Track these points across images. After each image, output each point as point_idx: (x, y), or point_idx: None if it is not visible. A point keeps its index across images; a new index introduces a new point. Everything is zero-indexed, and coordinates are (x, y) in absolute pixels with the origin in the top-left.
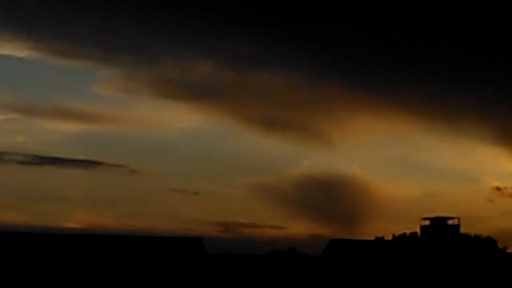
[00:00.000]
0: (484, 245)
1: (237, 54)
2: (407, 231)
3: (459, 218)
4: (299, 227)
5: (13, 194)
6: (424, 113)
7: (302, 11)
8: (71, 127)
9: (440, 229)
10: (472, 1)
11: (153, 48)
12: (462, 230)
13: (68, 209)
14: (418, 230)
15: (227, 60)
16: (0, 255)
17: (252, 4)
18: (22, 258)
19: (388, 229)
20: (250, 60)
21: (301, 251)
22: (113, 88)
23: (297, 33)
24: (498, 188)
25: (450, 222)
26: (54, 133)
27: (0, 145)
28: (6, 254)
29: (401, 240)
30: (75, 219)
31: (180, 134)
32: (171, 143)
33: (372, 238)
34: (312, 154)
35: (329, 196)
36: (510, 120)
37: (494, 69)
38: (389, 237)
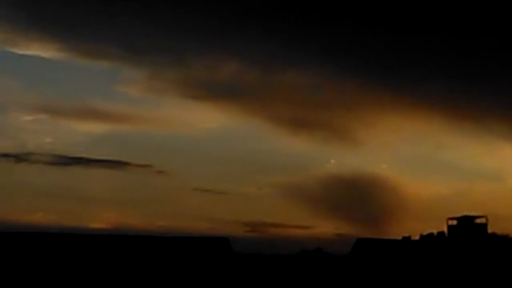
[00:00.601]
0: None
1: (264, 53)
2: (435, 231)
3: (486, 217)
4: (326, 227)
5: (40, 194)
6: (451, 112)
7: (329, 10)
8: (98, 128)
9: (467, 228)
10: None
11: (179, 47)
12: (490, 229)
13: (95, 210)
14: (445, 229)
15: (254, 60)
16: (28, 255)
17: (278, 3)
18: (49, 259)
19: (415, 229)
20: (277, 60)
21: (328, 250)
22: (140, 88)
23: (324, 32)
24: None
25: (477, 221)
26: (81, 134)
27: (27, 146)
28: (33, 255)
29: (428, 239)
30: (102, 219)
31: (207, 134)
32: (197, 143)
33: (399, 237)
34: (338, 153)
35: (356, 195)
36: None
37: None
38: (416, 237)
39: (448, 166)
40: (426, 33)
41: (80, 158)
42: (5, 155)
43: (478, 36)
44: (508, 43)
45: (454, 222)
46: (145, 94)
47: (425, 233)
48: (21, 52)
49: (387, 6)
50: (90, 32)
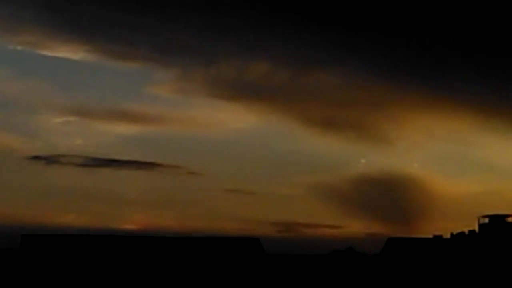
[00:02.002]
0: None
1: (294, 54)
2: (466, 229)
3: None
4: (357, 226)
5: (72, 196)
6: (482, 111)
7: (359, 11)
8: (128, 129)
9: (499, 227)
10: None
11: (209, 49)
12: None
13: (126, 211)
14: (476, 228)
15: (284, 60)
16: (60, 256)
17: (309, 4)
18: (82, 260)
19: (446, 227)
20: (307, 60)
21: (359, 250)
22: (169, 89)
23: (354, 33)
24: None
25: (509, 219)
26: (111, 135)
27: (57, 148)
28: (66, 256)
29: (459, 238)
30: (133, 220)
31: (237, 135)
32: (228, 144)
33: (431, 236)
34: (370, 153)
35: (387, 194)
36: None
37: None
38: (448, 235)
39: (480, 165)
40: (458, 32)
41: (111, 160)
42: (36, 157)
43: (507, 37)
44: None
45: (486, 221)
46: (175, 95)
47: (456, 231)
48: (51, 54)
49: (419, 6)
50: (119, 33)
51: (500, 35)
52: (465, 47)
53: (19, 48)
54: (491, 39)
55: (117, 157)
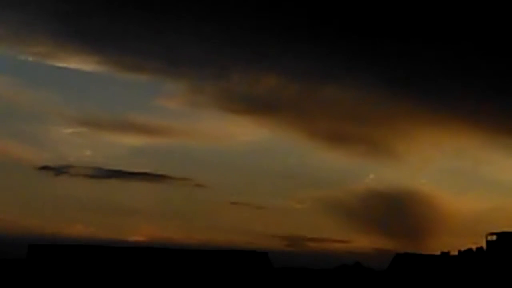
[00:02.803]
0: None
1: (303, 68)
2: (474, 246)
3: None
4: (364, 241)
5: (80, 207)
6: (490, 127)
7: (369, 26)
8: (138, 141)
9: (507, 244)
10: None
11: (219, 62)
12: None
13: (134, 222)
14: (484, 245)
15: (293, 74)
16: (68, 267)
17: (319, 19)
18: (89, 270)
19: (454, 244)
20: (316, 75)
21: (367, 265)
22: (179, 102)
23: (363, 48)
24: None
25: None
26: (120, 147)
27: (67, 159)
28: (73, 266)
29: (467, 255)
30: (141, 232)
31: (246, 148)
32: (236, 157)
33: (438, 253)
34: (378, 168)
35: (394, 210)
36: None
37: None
38: (455, 252)
39: (488, 182)
40: (470, 49)
41: (120, 171)
42: (45, 168)
43: None
44: None
45: (494, 238)
46: (185, 108)
47: (463, 248)
48: (61, 65)
49: (427, 22)
50: (130, 45)
51: (508, 52)
52: (474, 64)
53: (30, 59)
54: (500, 58)
55: (125, 168)
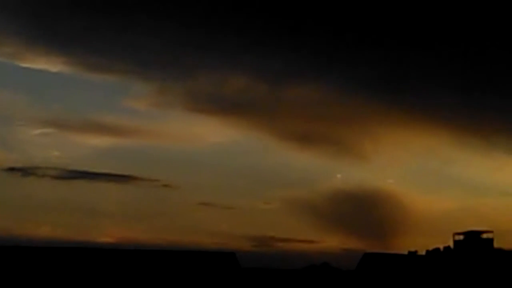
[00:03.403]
0: None
1: (271, 68)
2: (441, 246)
3: (493, 232)
4: (332, 241)
5: (47, 208)
6: (458, 127)
7: (336, 26)
8: (105, 142)
9: (474, 243)
10: (506, 15)
11: (186, 62)
12: (496, 244)
13: (102, 224)
14: (451, 244)
15: (261, 75)
16: (35, 269)
17: (287, 19)
18: (56, 272)
19: (421, 244)
20: (284, 74)
21: (334, 265)
22: (147, 102)
23: (331, 47)
24: None
25: (484, 236)
26: (88, 148)
27: (34, 160)
28: (41, 268)
29: (434, 254)
30: (109, 233)
31: (214, 149)
32: (204, 157)
33: (406, 252)
34: (346, 168)
35: (363, 210)
36: None
37: None
38: (423, 252)
39: (455, 181)
40: (434, 48)
41: (87, 172)
42: (12, 169)
43: (487, 51)
44: None
45: (461, 237)
46: (153, 108)
47: (431, 248)
48: (28, 66)
49: (395, 20)
50: (97, 46)
51: (476, 53)
52: (441, 63)
53: None
54: (467, 56)
55: (93, 169)
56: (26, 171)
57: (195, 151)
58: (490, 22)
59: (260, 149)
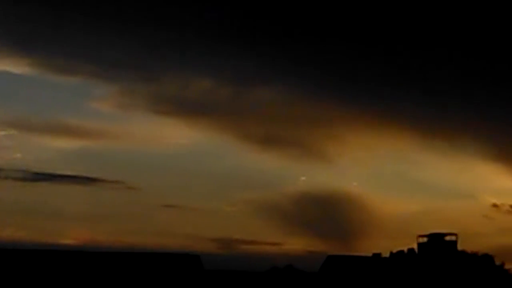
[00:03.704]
0: (482, 261)
1: (236, 71)
2: (405, 248)
3: (456, 235)
4: (297, 244)
5: (10, 210)
6: (423, 130)
7: (301, 28)
8: (69, 144)
9: (437, 246)
10: (474, 20)
11: (151, 64)
12: (460, 246)
13: (66, 226)
14: (415, 246)
15: (226, 77)
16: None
17: (250, 21)
18: (19, 274)
19: (385, 246)
20: (249, 77)
21: (298, 267)
22: (111, 104)
23: (296, 50)
24: (495, 205)
25: (447, 238)
26: (51, 150)
27: None
28: (3, 270)
29: (398, 256)
30: (72, 235)
31: (178, 151)
32: (169, 160)
33: (370, 254)
34: (310, 171)
35: (327, 212)
36: (508, 137)
37: (493, 87)
38: (387, 254)
39: (420, 184)
40: (399, 52)
41: (51, 174)
42: None
43: (452, 57)
44: (482, 65)
45: (424, 240)
46: (117, 110)
47: (395, 250)
48: None
49: (359, 25)
50: (61, 48)
51: (441, 55)
52: (408, 66)
53: None
54: (433, 59)
55: (57, 171)
56: None
57: (160, 153)
58: (453, 26)
59: (224, 151)
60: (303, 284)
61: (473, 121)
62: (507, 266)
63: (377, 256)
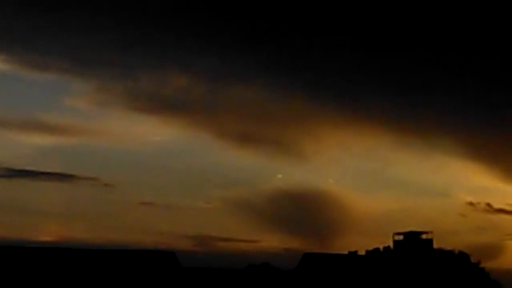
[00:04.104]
0: (457, 259)
1: (212, 68)
2: (381, 246)
3: (432, 233)
4: (273, 241)
5: None
6: (398, 128)
7: (276, 26)
8: (44, 140)
9: (413, 244)
10: (445, 19)
11: (127, 61)
12: (436, 244)
13: (41, 222)
14: (391, 244)
15: (202, 74)
16: None
17: (226, 19)
18: None
19: (361, 244)
20: (225, 74)
21: (275, 265)
22: (87, 101)
23: (271, 48)
24: (471, 203)
25: (423, 236)
26: (26, 146)
27: None
28: None
29: (374, 254)
30: (48, 232)
31: (154, 148)
32: (144, 157)
33: (346, 252)
34: (286, 168)
35: (303, 210)
36: (483, 136)
37: (467, 85)
38: (363, 252)
39: (395, 182)
40: (376, 50)
41: (26, 171)
42: None
43: (424, 54)
44: (454, 63)
45: (400, 237)
46: (93, 107)
47: (371, 248)
48: None
49: (334, 23)
50: (36, 44)
51: (413, 55)
52: (382, 64)
53: None
54: (404, 59)
55: (33, 168)
56: None
57: (136, 150)
58: (431, 26)
59: (201, 148)
60: (279, 282)
61: (449, 119)
62: (482, 265)
63: (353, 254)
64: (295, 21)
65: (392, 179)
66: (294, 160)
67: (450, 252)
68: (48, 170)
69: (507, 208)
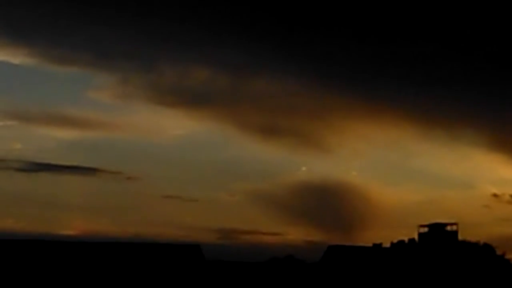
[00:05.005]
0: (482, 251)
1: (235, 60)
2: (405, 238)
3: (457, 224)
4: (297, 234)
5: (10, 201)
6: (422, 120)
7: (300, 19)
8: (68, 134)
9: (438, 236)
10: (471, 11)
11: (150, 54)
12: (460, 236)
13: (65, 216)
14: (416, 236)
15: (225, 67)
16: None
17: (250, 12)
18: (18, 265)
19: (386, 236)
20: (248, 67)
21: (299, 257)
22: (110, 95)
23: (295, 40)
24: (495, 195)
25: (448, 228)
26: (51, 140)
27: None
28: (3, 261)
29: (399, 246)
30: (72, 226)
31: (177, 141)
32: (168, 150)
33: (370, 244)
34: (310, 161)
35: (327, 202)
36: (507, 127)
37: (491, 76)
38: (387, 244)
39: (419, 174)
40: (398, 42)
41: (50, 165)
42: None
43: (449, 46)
44: (480, 54)
45: (425, 230)
46: (116, 101)
47: (395, 240)
48: None
49: (357, 15)
50: (60, 38)
51: (440, 46)
52: (405, 56)
53: None
54: (431, 50)
55: (57, 162)
56: None
57: (159, 144)
58: (452, 18)
59: (224, 141)
60: (303, 275)
61: (472, 110)
62: (507, 256)
63: (377, 246)
64: (318, 13)
65: (415, 171)
66: (318, 153)
67: (475, 244)
68: (72, 164)
69: None
